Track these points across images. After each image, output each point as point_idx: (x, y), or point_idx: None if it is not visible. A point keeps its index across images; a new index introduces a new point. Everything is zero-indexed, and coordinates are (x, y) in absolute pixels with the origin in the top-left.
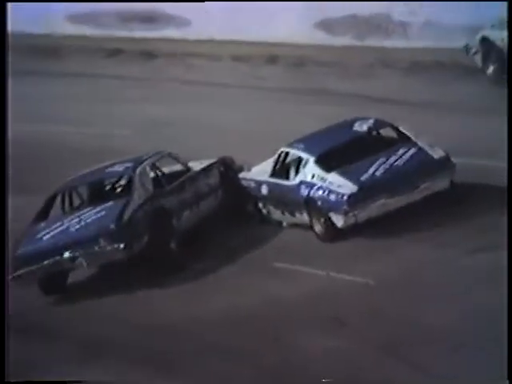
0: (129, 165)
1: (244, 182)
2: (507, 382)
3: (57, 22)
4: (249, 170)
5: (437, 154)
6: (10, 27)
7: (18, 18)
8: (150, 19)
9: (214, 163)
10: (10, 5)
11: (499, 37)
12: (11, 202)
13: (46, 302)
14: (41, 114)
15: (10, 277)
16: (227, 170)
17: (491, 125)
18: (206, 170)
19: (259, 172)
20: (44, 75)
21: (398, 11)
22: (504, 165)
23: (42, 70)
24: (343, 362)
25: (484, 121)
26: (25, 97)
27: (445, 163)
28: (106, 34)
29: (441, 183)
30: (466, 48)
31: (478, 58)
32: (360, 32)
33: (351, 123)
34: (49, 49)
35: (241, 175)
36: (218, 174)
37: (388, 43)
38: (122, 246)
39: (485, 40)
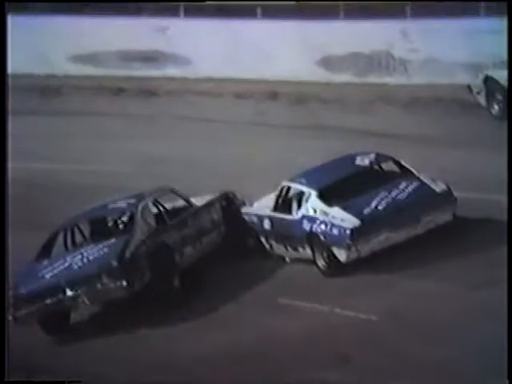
0: (131, 201)
1: (246, 217)
2: (507, 381)
3: (58, 62)
4: (251, 204)
5: (439, 187)
6: (9, 67)
7: (18, 59)
8: (150, 58)
9: (216, 198)
10: (9, 43)
11: (503, 76)
12: (11, 239)
13: (48, 342)
14: (42, 152)
15: (10, 317)
16: (229, 204)
17: (492, 160)
18: (208, 206)
19: (261, 207)
20: (45, 114)
21: (399, 48)
22: (504, 198)
23: (43, 110)
24: None
25: (484, 156)
26: (25, 136)
27: (447, 197)
28: (107, 73)
29: (443, 216)
30: (469, 88)
31: (482, 97)
32: (361, 69)
33: (353, 157)
34: (50, 88)
35: (243, 210)
36: (220, 209)
37: (388, 80)
38: (124, 283)
39: (488, 79)
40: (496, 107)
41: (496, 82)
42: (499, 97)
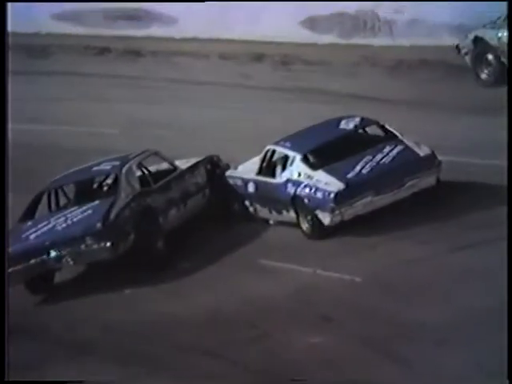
0: (115, 163)
1: (231, 180)
2: (507, 382)
3: (42, 20)
4: (235, 168)
5: (423, 151)
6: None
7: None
8: (135, 17)
9: (200, 161)
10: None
11: (494, 36)
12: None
13: (32, 302)
14: (28, 113)
15: None
16: (214, 168)
17: (478, 123)
18: (192, 169)
19: (246, 170)
20: (30, 74)
21: (384, 9)
22: (490, 162)
23: (28, 70)
24: (329, 359)
25: (470, 119)
26: (11, 96)
27: (431, 161)
28: (92, 32)
29: (427, 180)
30: (458, 48)
31: (469, 59)
32: (346, 30)
33: (337, 121)
34: (35, 48)
35: (227, 173)
36: (205, 172)
37: (374, 41)
38: (108, 244)
39: (478, 40)
40: (486, 70)
41: (486, 42)
42: (490, 58)
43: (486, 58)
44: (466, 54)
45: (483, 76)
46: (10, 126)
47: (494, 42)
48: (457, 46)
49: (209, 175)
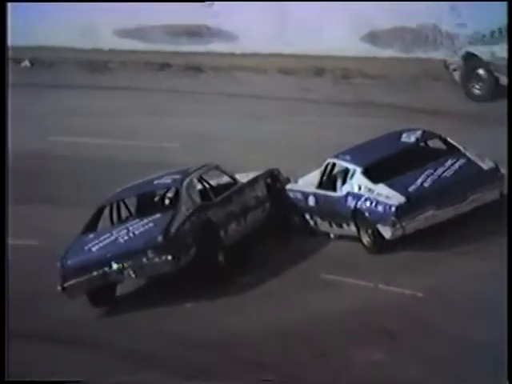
0: (176, 177)
1: (291, 194)
2: (507, 382)
3: (105, 36)
4: (295, 181)
5: (486, 164)
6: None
7: (65, 33)
8: (196, 33)
9: (260, 175)
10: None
11: (487, 51)
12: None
13: (95, 314)
14: (90, 127)
15: (59, 287)
16: (274, 181)
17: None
18: (252, 183)
19: (306, 183)
20: (93, 89)
21: (446, 23)
22: None
23: (90, 84)
24: (391, 376)
25: None
26: (75, 111)
27: (494, 174)
28: (153, 48)
29: (490, 194)
30: (445, 64)
31: (458, 75)
32: (407, 44)
33: (399, 135)
34: (97, 63)
35: (287, 187)
36: (265, 186)
37: (435, 55)
38: (169, 258)
39: (469, 56)
40: (477, 86)
41: (478, 58)
42: (481, 72)
43: (477, 73)
44: (455, 70)
45: (475, 91)
46: (71, 139)
47: (486, 57)
48: (445, 62)
49: (269, 189)
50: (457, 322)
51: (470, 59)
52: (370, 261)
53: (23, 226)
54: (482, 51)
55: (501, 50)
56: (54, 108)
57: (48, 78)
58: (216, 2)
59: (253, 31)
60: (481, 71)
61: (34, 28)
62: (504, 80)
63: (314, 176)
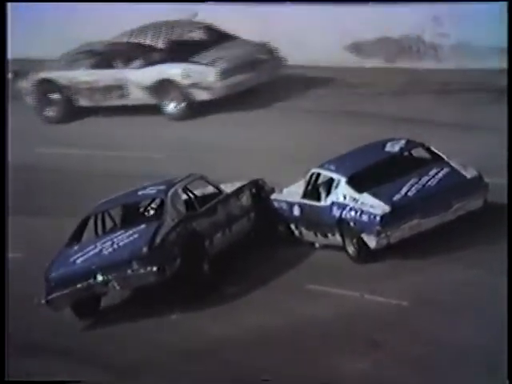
0: (161, 187)
1: (276, 204)
2: (507, 382)
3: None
4: (280, 191)
5: (469, 173)
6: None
7: (53, 44)
8: None
9: (245, 185)
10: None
11: (65, 76)
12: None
13: (79, 326)
14: (74, 138)
15: (43, 301)
16: (259, 191)
17: None
18: (237, 193)
19: (291, 193)
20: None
21: (429, 33)
22: None
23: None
24: None
25: None
26: (60, 122)
27: (478, 183)
28: None
29: (474, 203)
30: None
31: (31, 99)
32: (391, 54)
33: (383, 144)
34: None
35: (272, 197)
36: (250, 195)
37: (419, 65)
38: (154, 269)
39: (44, 81)
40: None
41: (54, 82)
42: (56, 96)
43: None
44: (28, 94)
45: (50, 113)
46: (54, 151)
47: (64, 81)
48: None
49: (254, 199)
50: (443, 329)
51: (45, 84)
52: (355, 270)
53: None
54: (58, 75)
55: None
56: (39, 119)
57: None
58: (200, 13)
59: None
60: (55, 95)
61: (20, 39)
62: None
63: (299, 186)
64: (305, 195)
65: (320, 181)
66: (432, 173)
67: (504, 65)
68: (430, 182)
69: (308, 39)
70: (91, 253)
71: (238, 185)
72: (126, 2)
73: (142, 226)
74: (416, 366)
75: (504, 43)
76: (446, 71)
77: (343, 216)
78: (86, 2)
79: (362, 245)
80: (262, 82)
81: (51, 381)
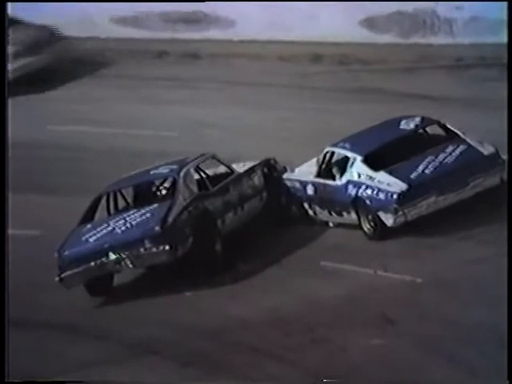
0: (173, 167)
1: (288, 183)
2: (507, 382)
3: (102, 24)
4: (292, 170)
5: (487, 150)
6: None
7: (62, 21)
8: (194, 21)
9: (257, 165)
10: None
11: None
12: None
13: (92, 304)
14: (87, 115)
15: (56, 278)
16: (271, 171)
17: None
18: (249, 172)
19: (303, 172)
20: (90, 78)
21: (444, 7)
22: None
23: (87, 73)
24: (389, 361)
25: None
26: (72, 100)
27: (495, 160)
28: (150, 35)
29: (491, 180)
30: None
31: None
32: (404, 29)
33: (398, 121)
34: (94, 51)
35: (284, 176)
36: (262, 175)
37: (433, 40)
38: (167, 247)
39: None
40: None
41: None
42: None
43: None
44: None
45: None
46: (67, 128)
47: None
48: None
49: (266, 178)
50: (457, 307)
51: None
52: (369, 248)
53: (23, 216)
54: None
55: None
56: (52, 97)
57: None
58: None
59: (250, 18)
60: None
61: (30, 16)
62: None
63: (311, 165)
64: (319, 174)
65: (334, 159)
66: (449, 150)
67: None
68: (446, 160)
69: (321, 15)
70: (104, 231)
71: (249, 164)
72: (126, 2)
73: (155, 205)
74: (428, 342)
75: None
76: (460, 46)
77: (359, 194)
78: (85, 2)
79: (379, 223)
80: (49, 63)
81: (51, 381)
